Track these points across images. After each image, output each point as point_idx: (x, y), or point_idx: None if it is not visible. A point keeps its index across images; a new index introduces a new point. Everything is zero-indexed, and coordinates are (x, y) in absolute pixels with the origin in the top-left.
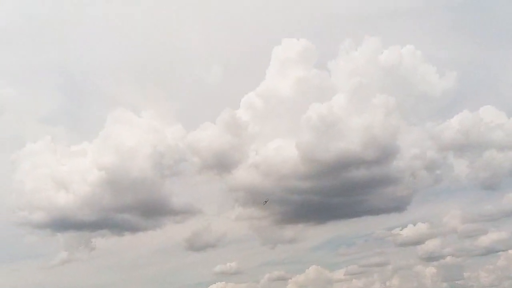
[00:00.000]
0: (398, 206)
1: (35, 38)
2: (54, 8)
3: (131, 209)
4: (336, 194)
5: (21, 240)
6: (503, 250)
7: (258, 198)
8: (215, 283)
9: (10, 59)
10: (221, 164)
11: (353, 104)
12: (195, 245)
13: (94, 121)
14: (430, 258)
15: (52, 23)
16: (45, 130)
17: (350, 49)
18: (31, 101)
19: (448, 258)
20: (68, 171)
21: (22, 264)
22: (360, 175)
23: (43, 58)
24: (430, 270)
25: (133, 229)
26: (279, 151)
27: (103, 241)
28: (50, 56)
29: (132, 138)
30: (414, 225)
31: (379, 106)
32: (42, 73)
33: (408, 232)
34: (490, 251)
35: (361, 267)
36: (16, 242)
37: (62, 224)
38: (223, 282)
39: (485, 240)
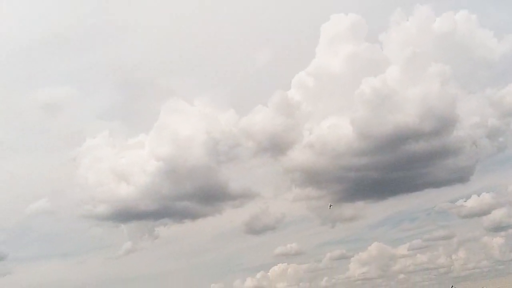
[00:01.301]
0: (460, 177)
1: (87, 38)
2: (102, 8)
3: (190, 197)
4: (395, 169)
5: (87, 233)
6: None
7: (314, 178)
8: (276, 265)
9: (66, 59)
10: (276, 146)
11: (408, 75)
12: (255, 228)
13: (149, 113)
14: (497, 229)
15: (102, 22)
16: (102, 125)
17: (401, 20)
18: (88, 98)
19: None
20: (127, 164)
21: (89, 256)
22: (419, 148)
23: (96, 57)
24: (497, 240)
25: (193, 216)
26: (333, 128)
27: (165, 230)
28: (103, 54)
29: (187, 126)
30: (479, 195)
31: (435, 75)
32: (96, 71)
33: (473, 203)
34: None
35: (425, 242)
36: (82, 235)
37: (125, 215)
38: (285, 264)
39: None
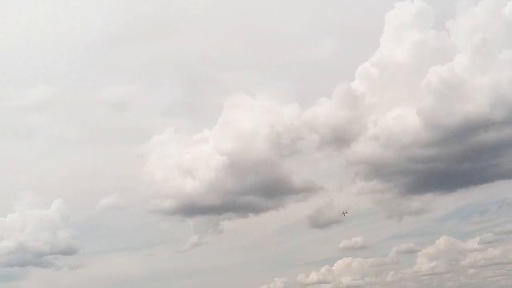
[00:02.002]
0: None
1: (151, 35)
2: (165, 4)
3: (253, 191)
4: (464, 160)
5: (155, 227)
6: None
7: (380, 170)
8: (341, 259)
9: (130, 57)
10: (340, 138)
11: (477, 63)
12: (319, 222)
13: (213, 108)
14: None
15: (165, 19)
16: (168, 121)
17: (469, 5)
18: (153, 95)
19: None
20: (192, 159)
21: (157, 249)
22: (490, 138)
23: (160, 53)
24: None
25: (256, 210)
26: (399, 119)
27: (230, 224)
28: (167, 51)
29: (250, 121)
30: None
31: (506, 62)
32: (160, 67)
33: None
34: None
35: (496, 235)
36: (151, 229)
37: (191, 209)
38: (350, 258)
39: None
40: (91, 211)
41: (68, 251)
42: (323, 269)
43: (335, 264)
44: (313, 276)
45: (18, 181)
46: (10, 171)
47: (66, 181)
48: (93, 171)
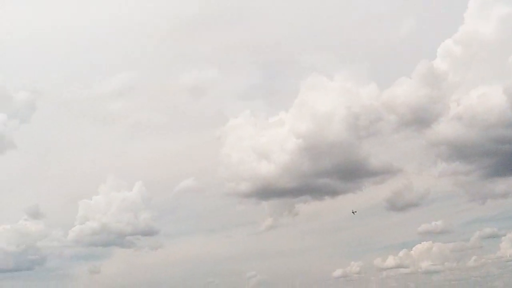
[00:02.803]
0: None
1: (226, 21)
2: None
3: (329, 173)
4: None
5: (231, 209)
6: None
7: (462, 152)
8: (420, 243)
9: (207, 43)
10: (420, 119)
11: None
12: (397, 205)
13: (289, 91)
14: None
15: (239, 4)
16: (244, 105)
17: None
18: (230, 79)
19: None
20: (268, 142)
21: (234, 231)
22: None
23: (236, 39)
24: None
25: (333, 192)
26: (484, 99)
27: (305, 206)
28: (242, 36)
29: (326, 102)
30: None
31: None
32: (237, 51)
33: None
34: None
35: None
36: (227, 211)
37: (266, 192)
38: (429, 242)
39: None
40: (170, 193)
41: (149, 232)
42: (401, 253)
43: (413, 248)
44: (390, 261)
45: (102, 165)
46: (94, 156)
47: (147, 164)
48: (172, 154)
